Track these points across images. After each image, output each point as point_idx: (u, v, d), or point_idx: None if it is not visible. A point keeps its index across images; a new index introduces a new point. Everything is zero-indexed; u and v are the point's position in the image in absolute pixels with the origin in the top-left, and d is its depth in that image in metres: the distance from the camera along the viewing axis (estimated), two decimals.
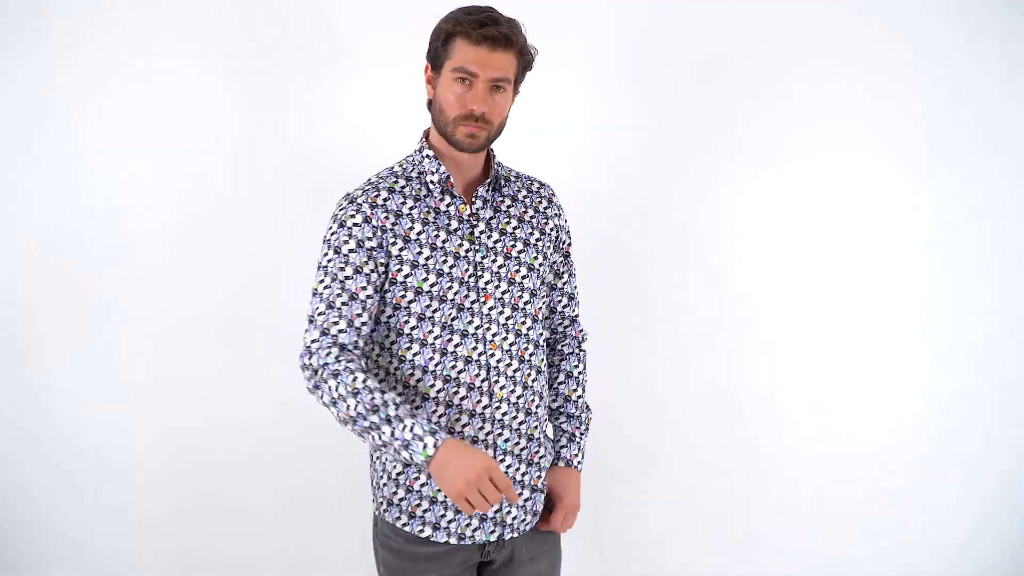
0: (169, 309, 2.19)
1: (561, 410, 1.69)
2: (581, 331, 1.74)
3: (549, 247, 1.63)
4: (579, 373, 1.72)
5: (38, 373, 2.18)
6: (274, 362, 2.16)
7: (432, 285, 1.48)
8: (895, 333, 2.26)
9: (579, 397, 1.70)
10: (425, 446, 1.33)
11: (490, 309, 1.53)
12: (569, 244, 1.69)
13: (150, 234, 2.17)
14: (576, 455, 1.67)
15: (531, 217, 1.62)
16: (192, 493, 2.23)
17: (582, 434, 1.68)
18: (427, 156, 1.53)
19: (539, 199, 1.64)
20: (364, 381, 1.38)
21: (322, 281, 1.45)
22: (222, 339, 2.19)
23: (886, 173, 2.23)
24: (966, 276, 2.25)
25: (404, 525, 1.52)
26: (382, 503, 1.55)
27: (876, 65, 2.20)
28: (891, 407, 2.27)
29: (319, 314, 1.43)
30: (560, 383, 1.70)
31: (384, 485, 1.54)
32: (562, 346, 1.72)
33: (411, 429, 1.34)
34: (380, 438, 1.36)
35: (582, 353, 1.73)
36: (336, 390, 1.38)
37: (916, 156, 2.23)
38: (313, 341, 1.42)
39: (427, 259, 1.49)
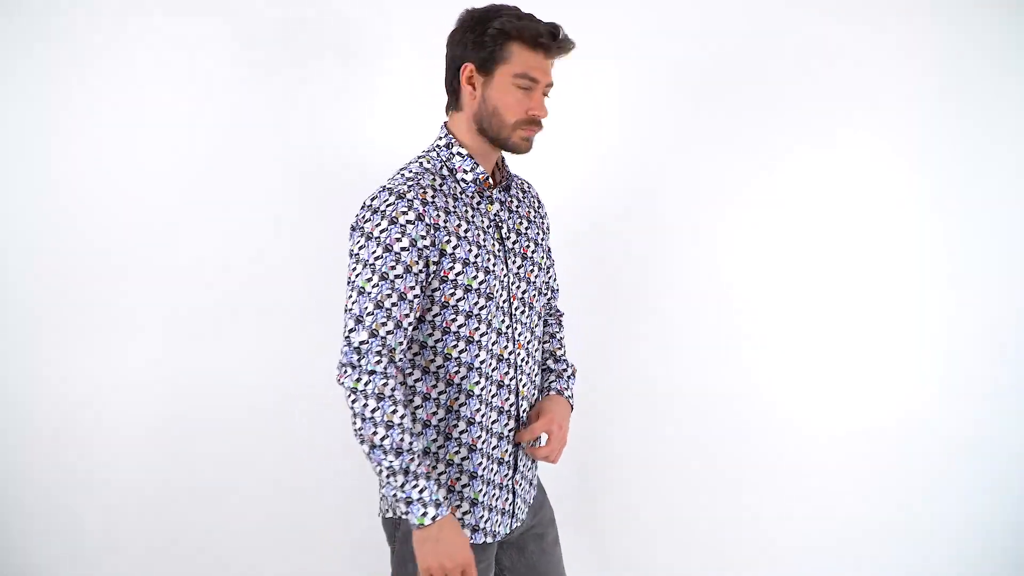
0: (172, 308, 2.19)
1: (546, 360, 1.72)
2: (560, 313, 1.80)
3: (548, 246, 1.68)
4: (561, 338, 1.76)
5: (38, 371, 2.18)
6: (275, 362, 2.17)
7: (481, 283, 1.49)
8: (893, 330, 2.26)
9: (563, 353, 1.74)
10: (424, 514, 1.37)
11: (514, 308, 1.55)
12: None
13: (152, 232, 2.17)
14: (565, 388, 1.68)
15: (533, 217, 1.64)
16: (192, 492, 2.23)
17: (569, 376, 1.71)
18: (458, 153, 1.52)
19: (531, 199, 1.68)
20: (402, 417, 1.38)
21: (369, 279, 1.41)
22: (224, 337, 2.19)
23: (886, 173, 2.23)
24: (966, 276, 2.25)
25: None
26: None
27: (876, 66, 2.21)
28: (889, 403, 2.27)
29: (367, 314, 1.40)
30: (545, 343, 1.74)
31: None
32: (547, 326, 1.78)
33: (420, 491, 1.37)
34: (387, 479, 1.37)
35: (562, 328, 1.79)
36: (372, 412, 1.38)
37: (917, 156, 2.23)
38: (362, 343, 1.39)
39: (476, 256, 1.48)
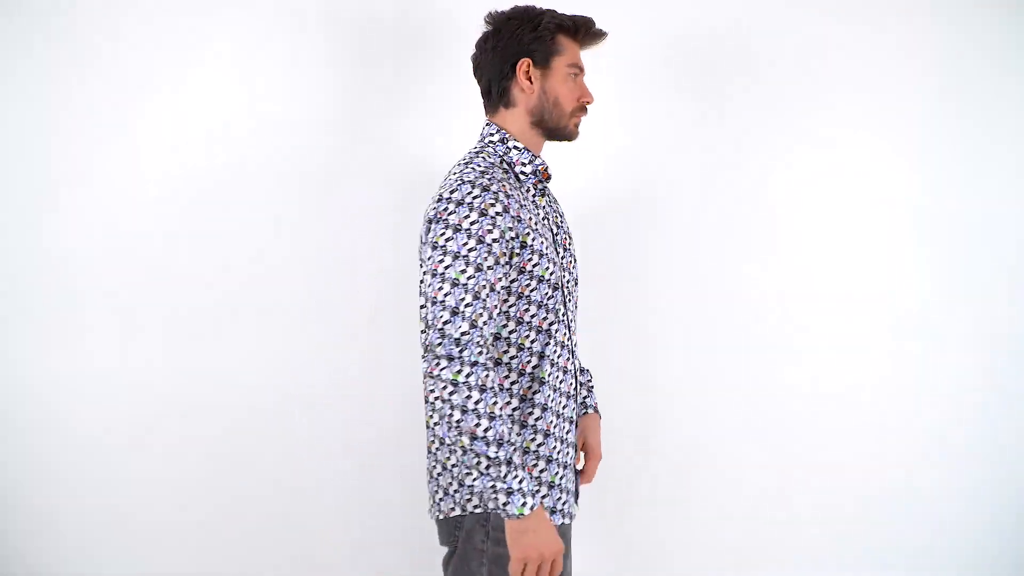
0: (171, 308, 2.19)
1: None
2: None
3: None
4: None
5: (38, 370, 2.18)
6: (275, 362, 2.17)
7: (551, 274, 1.53)
8: (893, 330, 2.26)
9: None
10: (524, 504, 1.38)
11: (566, 297, 1.61)
12: None
13: (152, 232, 2.17)
14: (596, 403, 1.82)
15: (561, 210, 1.70)
16: (192, 492, 2.23)
17: (592, 385, 1.83)
18: (514, 147, 1.57)
19: (550, 194, 1.71)
20: (502, 408, 1.40)
21: (463, 271, 1.42)
22: (224, 337, 2.19)
23: (886, 173, 2.23)
24: (966, 276, 2.25)
25: None
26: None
27: (876, 66, 2.21)
28: (889, 403, 2.27)
29: (466, 305, 1.41)
30: None
31: None
32: None
33: (520, 481, 1.38)
34: (486, 470, 1.38)
35: None
36: (476, 403, 1.38)
37: (917, 156, 2.23)
38: (464, 334, 1.40)
39: (547, 248, 1.52)
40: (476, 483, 1.41)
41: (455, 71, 2.03)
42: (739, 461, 2.28)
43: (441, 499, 1.54)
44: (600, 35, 1.61)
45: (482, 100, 1.64)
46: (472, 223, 1.43)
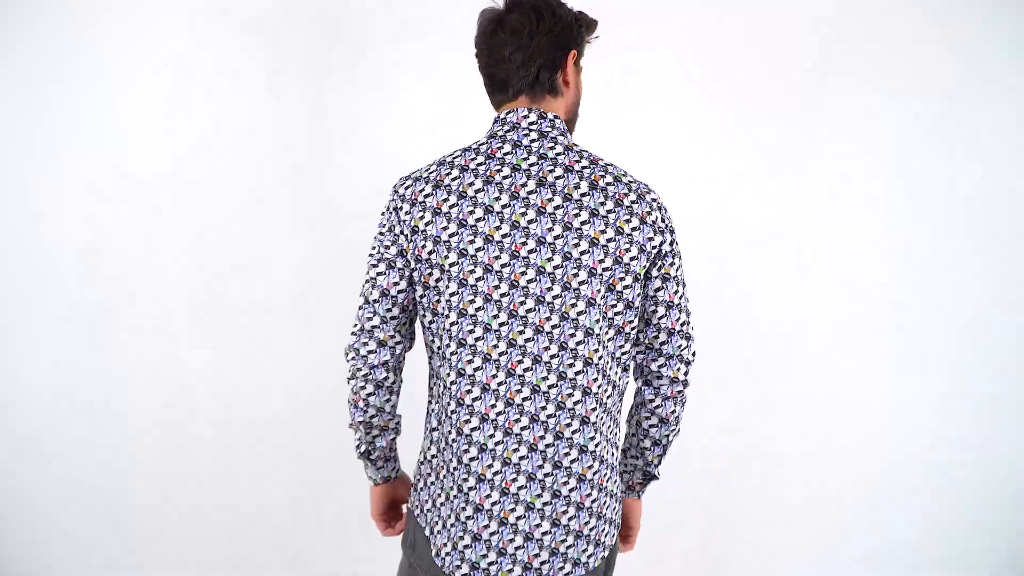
0: (171, 308, 2.19)
1: None
2: None
3: None
4: None
5: (38, 370, 2.18)
6: (275, 362, 2.17)
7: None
8: (893, 330, 2.27)
9: None
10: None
11: None
12: None
13: (152, 232, 2.17)
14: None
15: None
16: (191, 492, 2.24)
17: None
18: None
19: None
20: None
21: None
22: (224, 337, 2.20)
23: (886, 172, 2.23)
24: (967, 276, 2.26)
25: None
26: None
27: (876, 66, 2.20)
28: (889, 403, 2.28)
29: None
30: None
31: None
32: None
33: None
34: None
35: None
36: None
37: (917, 155, 2.23)
38: None
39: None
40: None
41: (456, 67, 2.04)
42: (740, 461, 2.30)
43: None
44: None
45: (516, 85, 1.38)
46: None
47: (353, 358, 1.38)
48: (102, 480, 2.22)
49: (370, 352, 1.37)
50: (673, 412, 1.42)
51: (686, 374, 1.40)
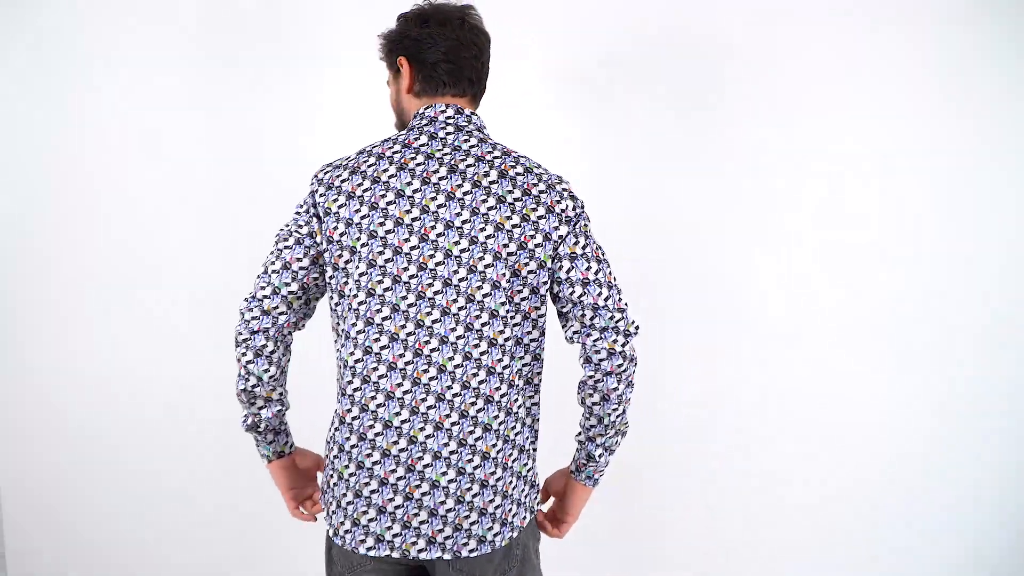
0: (171, 308, 2.19)
1: None
2: None
3: None
4: None
5: (38, 370, 2.18)
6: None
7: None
8: (894, 330, 2.27)
9: None
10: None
11: None
12: None
13: (151, 233, 2.17)
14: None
15: None
16: (190, 491, 2.24)
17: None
18: None
19: None
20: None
21: None
22: (223, 337, 2.20)
23: (886, 173, 2.23)
24: (966, 276, 2.25)
25: None
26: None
27: (876, 67, 2.20)
28: (890, 403, 2.28)
29: None
30: None
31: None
32: None
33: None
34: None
35: None
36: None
37: (918, 156, 2.23)
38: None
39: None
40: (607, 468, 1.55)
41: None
42: (740, 461, 2.29)
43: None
44: None
45: (469, 89, 1.48)
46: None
47: (238, 323, 1.43)
48: (102, 480, 2.22)
49: (253, 319, 1.42)
50: (615, 389, 1.42)
51: (623, 345, 1.40)
